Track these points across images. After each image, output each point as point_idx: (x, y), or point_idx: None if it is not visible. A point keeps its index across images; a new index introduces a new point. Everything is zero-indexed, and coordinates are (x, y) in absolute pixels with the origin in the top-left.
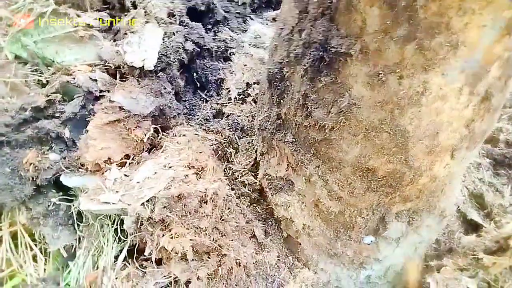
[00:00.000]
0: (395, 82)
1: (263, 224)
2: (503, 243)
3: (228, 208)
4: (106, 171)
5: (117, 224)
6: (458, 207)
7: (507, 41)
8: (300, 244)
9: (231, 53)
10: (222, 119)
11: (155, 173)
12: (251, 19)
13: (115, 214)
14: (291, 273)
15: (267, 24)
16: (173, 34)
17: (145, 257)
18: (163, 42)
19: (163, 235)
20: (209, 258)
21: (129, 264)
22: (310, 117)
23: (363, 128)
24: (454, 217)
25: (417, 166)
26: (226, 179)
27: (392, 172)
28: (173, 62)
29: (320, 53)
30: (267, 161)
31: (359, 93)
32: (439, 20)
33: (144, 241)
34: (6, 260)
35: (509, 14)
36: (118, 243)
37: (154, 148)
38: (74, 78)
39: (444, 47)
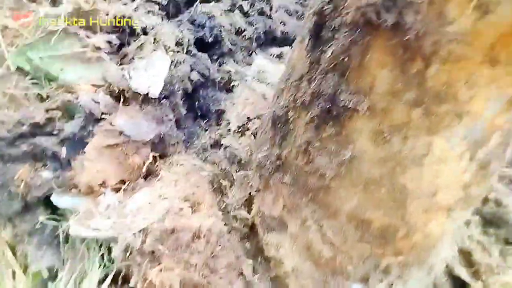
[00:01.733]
0: (399, 141)
1: (252, 261)
2: None
3: (220, 245)
4: (99, 195)
5: (104, 249)
6: (447, 262)
7: (509, 113)
8: (288, 286)
9: (234, 86)
10: (219, 150)
11: (150, 203)
12: (256, 53)
13: (103, 240)
14: None
15: (271, 60)
16: (180, 63)
17: (129, 287)
18: (170, 70)
19: (151, 267)
20: None
21: None
22: (311, 163)
23: (363, 181)
24: (442, 272)
25: (413, 223)
26: (220, 214)
27: (387, 226)
28: (177, 91)
29: (328, 105)
30: (262, 198)
31: (363, 148)
32: (447, 90)
33: (130, 270)
34: None
35: None
36: (103, 268)
37: (150, 176)
38: (77, 97)
39: (449, 115)
